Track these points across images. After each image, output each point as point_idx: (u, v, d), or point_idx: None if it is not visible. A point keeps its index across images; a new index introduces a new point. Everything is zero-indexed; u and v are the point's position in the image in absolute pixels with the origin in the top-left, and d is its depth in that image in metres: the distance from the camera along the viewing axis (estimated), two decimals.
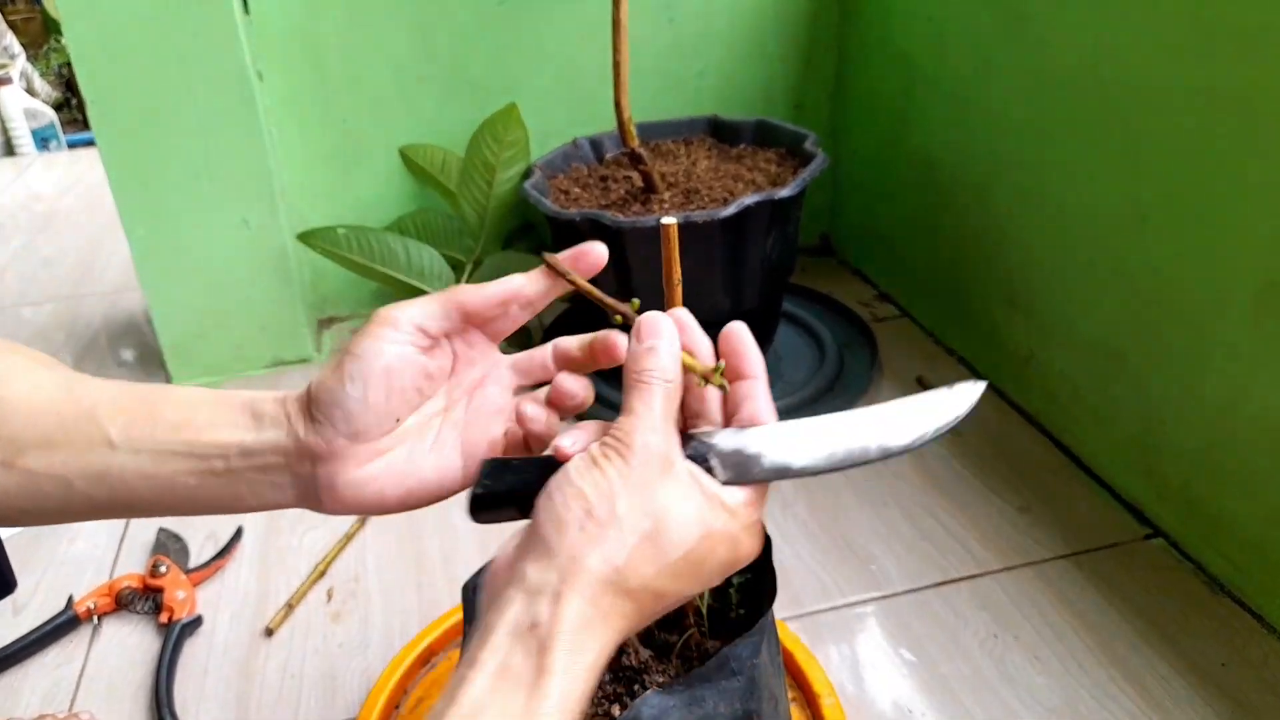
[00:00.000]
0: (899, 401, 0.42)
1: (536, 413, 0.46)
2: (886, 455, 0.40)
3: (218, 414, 0.43)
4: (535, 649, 0.34)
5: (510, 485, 0.42)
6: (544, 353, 0.49)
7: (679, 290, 0.48)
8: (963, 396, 0.41)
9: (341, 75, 1.23)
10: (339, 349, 0.41)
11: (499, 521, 0.43)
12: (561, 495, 0.38)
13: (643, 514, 0.37)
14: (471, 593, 0.59)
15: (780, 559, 0.88)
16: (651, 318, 0.42)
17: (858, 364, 1.18)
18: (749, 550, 0.41)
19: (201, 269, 1.18)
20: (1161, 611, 0.81)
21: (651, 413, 0.40)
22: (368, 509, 0.44)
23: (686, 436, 0.42)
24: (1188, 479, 0.86)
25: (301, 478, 0.43)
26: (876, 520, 0.93)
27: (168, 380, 1.25)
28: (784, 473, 0.40)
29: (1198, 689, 0.74)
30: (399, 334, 0.43)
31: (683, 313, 0.45)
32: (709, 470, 0.40)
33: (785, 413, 0.45)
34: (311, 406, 0.42)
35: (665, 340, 0.41)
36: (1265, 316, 0.75)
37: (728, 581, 0.59)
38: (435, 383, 0.45)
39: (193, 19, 1.06)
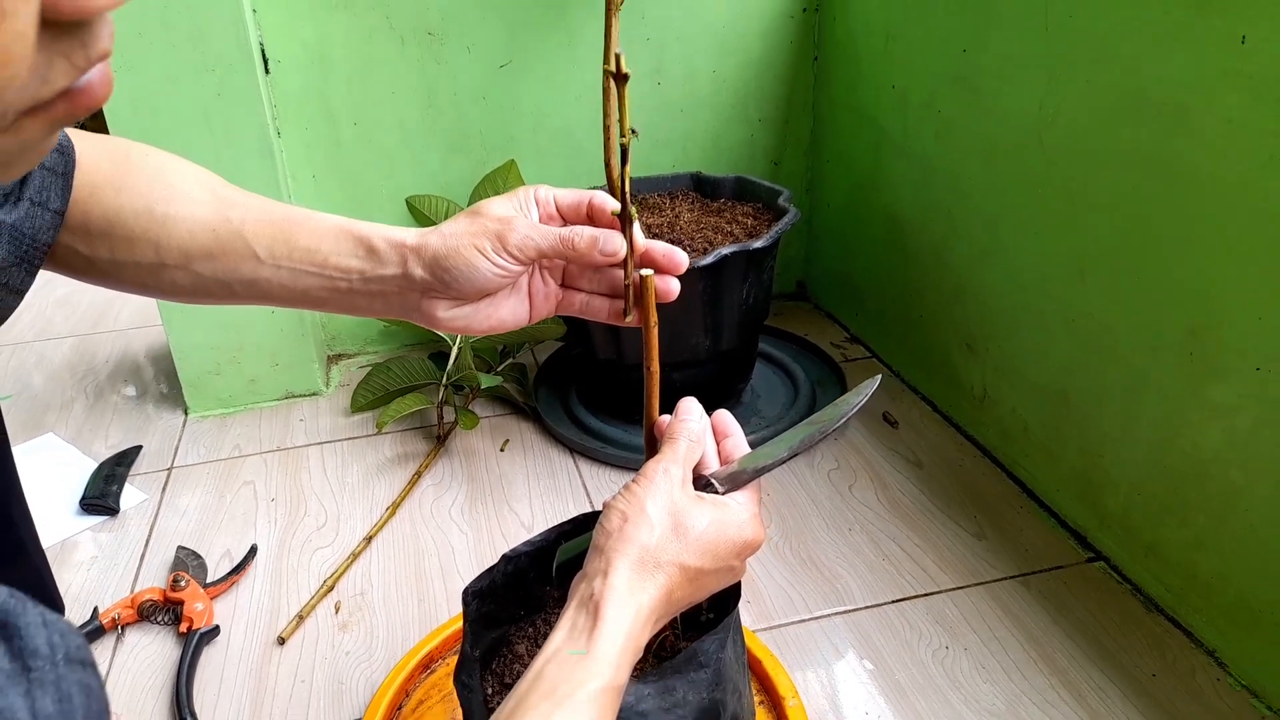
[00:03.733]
0: (828, 406, 0.58)
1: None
2: (824, 435, 0.56)
3: (339, 245, 0.55)
4: (593, 609, 0.46)
5: (577, 554, 0.56)
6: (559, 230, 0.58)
7: (655, 332, 0.57)
8: (867, 387, 0.57)
9: (353, 132, 1.33)
10: (477, 228, 0.53)
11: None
12: (605, 515, 0.50)
13: (666, 513, 0.50)
14: (470, 597, 0.67)
15: (753, 576, 0.96)
16: (689, 401, 0.57)
17: (829, 401, 1.26)
18: (754, 532, 0.52)
19: (220, 310, 1.27)
20: (1100, 628, 0.89)
21: (675, 454, 0.52)
22: (457, 332, 0.57)
23: (695, 478, 0.55)
24: (1126, 507, 0.94)
25: (408, 304, 0.55)
26: (842, 543, 1.01)
27: (185, 412, 1.33)
28: (763, 470, 0.54)
29: (1130, 697, 0.82)
30: (516, 260, 0.53)
31: (725, 415, 0.59)
32: (714, 489, 0.54)
33: (761, 444, 0.58)
34: (435, 265, 0.53)
35: (694, 415, 0.55)
36: (1190, 360, 0.84)
37: None
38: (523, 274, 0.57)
39: (219, 79, 1.15)
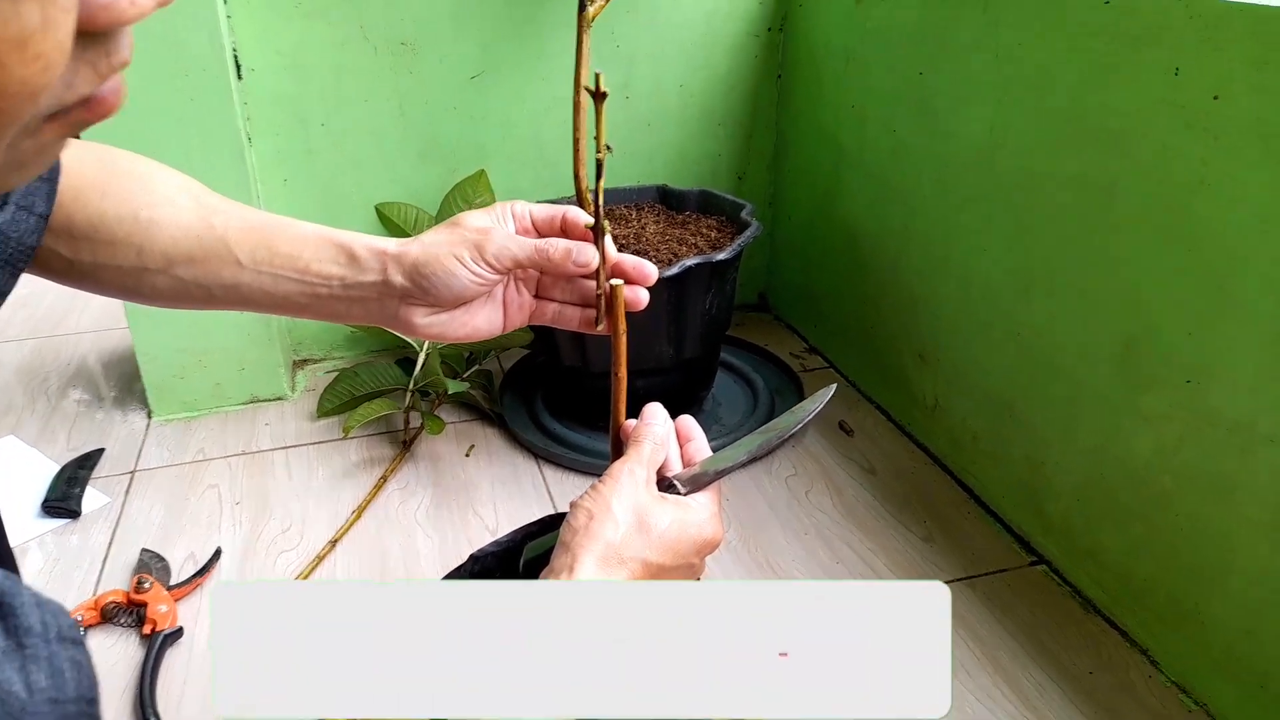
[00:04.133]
0: (785, 413, 0.60)
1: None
2: (782, 441, 0.57)
3: (321, 251, 0.56)
4: None
5: (544, 552, 0.58)
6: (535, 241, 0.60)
7: (624, 340, 0.59)
8: (823, 395, 0.59)
9: (325, 138, 1.34)
10: (456, 238, 0.55)
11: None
12: (572, 513, 0.52)
13: (630, 511, 0.51)
14: None
15: (712, 578, 0.99)
16: (654, 406, 0.58)
17: (787, 409, 1.29)
18: (714, 531, 0.54)
19: (186, 314, 1.27)
20: (1041, 628, 0.93)
21: (640, 456, 0.54)
22: (433, 339, 0.59)
23: (659, 480, 0.57)
24: (1067, 514, 0.99)
25: (387, 311, 0.56)
26: (798, 546, 1.04)
27: (149, 415, 1.33)
28: (724, 473, 0.56)
29: (1068, 693, 0.86)
30: (493, 271, 0.55)
31: (688, 420, 0.61)
32: (676, 490, 0.56)
33: (723, 448, 0.61)
34: (415, 272, 0.55)
35: (659, 419, 0.57)
36: (1125, 371, 0.89)
37: None
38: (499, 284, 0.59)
39: (191, 84, 1.16)
